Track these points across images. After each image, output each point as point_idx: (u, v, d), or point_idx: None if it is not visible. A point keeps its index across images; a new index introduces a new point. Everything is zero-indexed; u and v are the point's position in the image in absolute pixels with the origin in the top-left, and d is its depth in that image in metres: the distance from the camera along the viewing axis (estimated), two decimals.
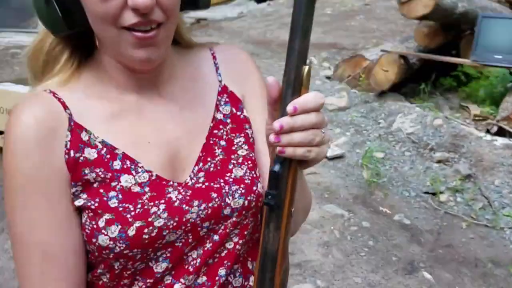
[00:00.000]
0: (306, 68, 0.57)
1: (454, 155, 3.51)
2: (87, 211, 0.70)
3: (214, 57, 0.84)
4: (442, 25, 4.94)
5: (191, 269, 0.74)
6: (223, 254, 0.77)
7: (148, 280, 0.73)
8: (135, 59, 0.68)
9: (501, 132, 3.86)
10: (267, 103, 0.60)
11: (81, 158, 0.70)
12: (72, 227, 0.70)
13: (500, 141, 3.67)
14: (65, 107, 0.70)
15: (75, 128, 0.70)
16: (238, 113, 0.82)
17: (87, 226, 0.70)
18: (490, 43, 4.11)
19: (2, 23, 7.13)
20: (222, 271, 0.77)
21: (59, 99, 0.70)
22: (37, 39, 0.73)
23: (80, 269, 0.72)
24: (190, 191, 0.74)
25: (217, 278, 0.76)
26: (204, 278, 0.76)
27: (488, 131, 3.93)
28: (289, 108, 0.56)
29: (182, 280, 0.74)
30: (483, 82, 5.07)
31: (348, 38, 7.32)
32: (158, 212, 0.70)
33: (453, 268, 2.53)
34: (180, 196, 0.72)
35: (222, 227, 0.76)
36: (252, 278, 0.81)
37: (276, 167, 0.60)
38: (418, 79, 4.91)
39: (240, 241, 0.78)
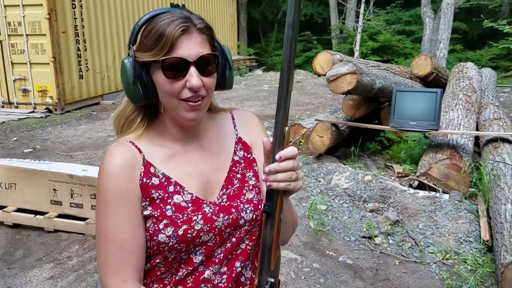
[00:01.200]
0: (287, 128, 0.88)
1: (383, 205, 3.92)
2: (151, 219, 1.01)
3: (233, 118, 1.19)
4: (364, 98, 5.60)
5: (217, 261, 1.05)
6: (238, 252, 1.08)
7: (188, 268, 1.03)
8: (187, 118, 1.01)
9: (421, 186, 4.29)
10: (263, 153, 0.93)
11: (150, 183, 1.02)
12: (141, 228, 1.01)
13: (421, 193, 4.13)
14: (140, 151, 1.04)
15: (146, 165, 1.03)
16: (248, 155, 1.15)
17: (150, 228, 1.01)
18: (405, 112, 4.50)
19: None
20: (237, 264, 1.08)
21: (136, 146, 1.04)
22: (121, 107, 1.10)
23: (143, 258, 1.03)
24: (218, 207, 1.05)
25: (234, 268, 1.07)
26: (225, 268, 1.06)
27: (410, 185, 4.34)
28: (277, 156, 0.88)
29: (210, 268, 1.04)
30: (403, 145, 5.68)
31: None
32: (197, 220, 1.02)
33: None
34: (211, 210, 1.04)
35: (238, 233, 1.07)
36: None
37: (269, 188, 0.91)
38: (348, 144, 5.50)
39: (250, 243, 1.09)
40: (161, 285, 1.06)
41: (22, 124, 7.65)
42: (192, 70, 0.97)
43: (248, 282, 1.11)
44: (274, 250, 0.93)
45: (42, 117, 8.17)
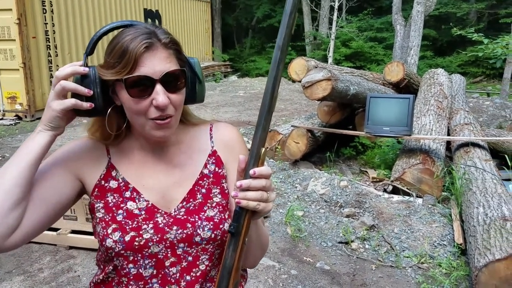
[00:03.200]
0: (263, 149, 0.86)
1: (359, 210, 3.95)
2: (101, 223, 1.01)
3: (211, 129, 1.14)
4: (339, 104, 5.65)
5: (173, 280, 1.02)
6: (198, 274, 1.04)
7: (139, 283, 1.01)
8: (156, 136, 1.00)
9: (395, 190, 4.33)
10: (237, 171, 0.89)
11: (107, 186, 1.04)
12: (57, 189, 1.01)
13: (396, 198, 4.18)
14: (108, 153, 1.07)
15: (110, 167, 1.06)
16: (219, 171, 1.10)
17: (100, 233, 1.00)
18: (378, 117, 4.55)
19: None
20: (197, 286, 1.04)
21: (107, 149, 1.07)
22: (91, 123, 1.09)
23: (38, 217, 0.97)
24: (172, 219, 1.03)
25: None
26: None
27: (385, 190, 4.40)
28: (251, 172, 0.85)
29: (167, 287, 1.02)
30: (377, 150, 5.77)
31: None
32: (147, 228, 1.00)
33: None
34: (164, 221, 1.02)
35: (194, 251, 1.03)
36: None
37: (238, 208, 0.88)
38: (324, 150, 5.55)
39: (210, 264, 1.05)
40: None
41: None
42: (158, 87, 0.94)
43: None
44: (234, 274, 0.90)
45: (12, 124, 7.96)
